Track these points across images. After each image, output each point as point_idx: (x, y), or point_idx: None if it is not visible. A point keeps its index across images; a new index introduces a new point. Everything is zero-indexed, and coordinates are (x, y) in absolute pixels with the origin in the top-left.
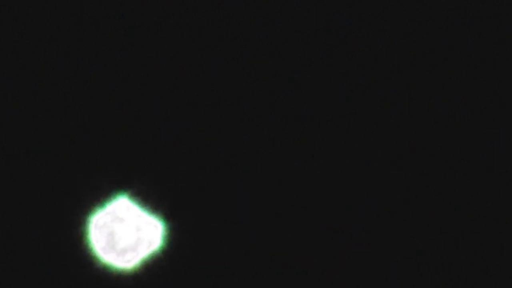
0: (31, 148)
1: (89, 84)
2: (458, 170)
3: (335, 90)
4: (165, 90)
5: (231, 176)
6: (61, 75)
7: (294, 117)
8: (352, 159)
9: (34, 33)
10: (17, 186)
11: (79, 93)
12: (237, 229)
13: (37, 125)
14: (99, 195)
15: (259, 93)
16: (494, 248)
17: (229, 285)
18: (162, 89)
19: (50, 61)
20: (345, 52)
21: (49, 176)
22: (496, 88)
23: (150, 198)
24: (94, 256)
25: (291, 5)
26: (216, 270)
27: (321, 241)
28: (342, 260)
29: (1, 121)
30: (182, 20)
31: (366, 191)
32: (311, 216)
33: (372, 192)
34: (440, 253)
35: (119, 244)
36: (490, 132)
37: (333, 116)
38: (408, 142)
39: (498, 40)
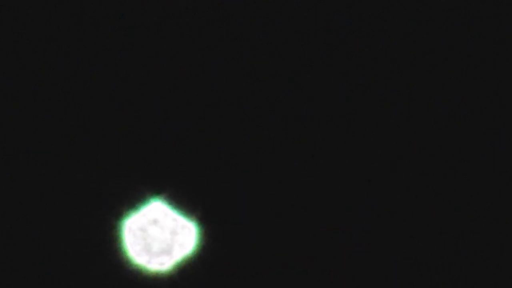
0: (65, 151)
1: (124, 88)
2: (458, 170)
3: (335, 90)
4: (199, 96)
5: (266, 180)
6: (94, 80)
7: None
8: (353, 159)
9: (34, 33)
10: (51, 188)
11: (115, 96)
12: (270, 232)
13: (70, 128)
14: (134, 198)
15: (276, 94)
16: (494, 248)
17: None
18: (196, 95)
19: (78, 66)
20: (345, 52)
21: (84, 180)
22: (496, 88)
23: (185, 201)
24: (128, 259)
25: (291, 5)
26: (249, 273)
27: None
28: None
29: (35, 124)
30: (182, 20)
31: (366, 191)
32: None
33: (372, 192)
34: (440, 253)
35: (154, 247)
36: (490, 132)
37: (334, 116)
38: (408, 142)
39: (498, 40)
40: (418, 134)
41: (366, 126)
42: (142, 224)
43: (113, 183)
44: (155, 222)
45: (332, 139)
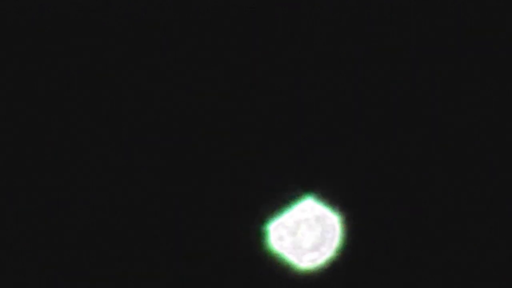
0: (224, 151)
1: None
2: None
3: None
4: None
5: (417, 178)
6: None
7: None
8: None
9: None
10: (211, 189)
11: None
12: (419, 228)
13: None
14: (284, 196)
15: None
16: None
17: (410, 284)
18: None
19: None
20: (345, 52)
21: (238, 177)
22: (496, 89)
23: (334, 199)
24: (279, 256)
25: (291, 5)
26: (397, 269)
27: None
28: None
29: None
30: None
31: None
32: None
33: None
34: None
35: (304, 245)
36: (490, 132)
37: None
38: (409, 142)
39: (498, 41)
40: (419, 135)
41: (367, 126)
42: (292, 222)
43: (263, 182)
44: (305, 220)
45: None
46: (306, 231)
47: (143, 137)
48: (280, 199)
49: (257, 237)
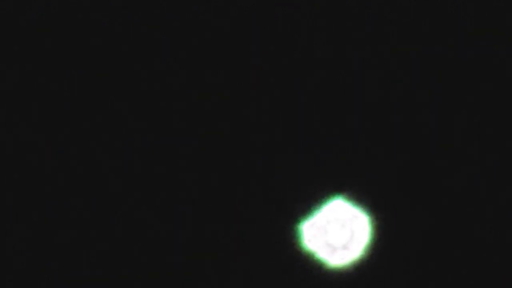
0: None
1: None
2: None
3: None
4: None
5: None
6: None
7: None
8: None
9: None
10: (247, 189)
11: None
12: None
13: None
14: (316, 197)
15: None
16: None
17: (438, 283)
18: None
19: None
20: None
21: (273, 180)
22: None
23: (364, 200)
24: (311, 254)
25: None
26: (425, 268)
27: None
28: None
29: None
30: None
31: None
32: None
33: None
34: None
35: (334, 243)
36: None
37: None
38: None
39: (499, 41)
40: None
41: (368, 126)
42: (324, 222)
43: (296, 185)
44: (336, 220)
45: None
46: (337, 231)
47: (179, 137)
48: (312, 200)
49: (291, 236)
